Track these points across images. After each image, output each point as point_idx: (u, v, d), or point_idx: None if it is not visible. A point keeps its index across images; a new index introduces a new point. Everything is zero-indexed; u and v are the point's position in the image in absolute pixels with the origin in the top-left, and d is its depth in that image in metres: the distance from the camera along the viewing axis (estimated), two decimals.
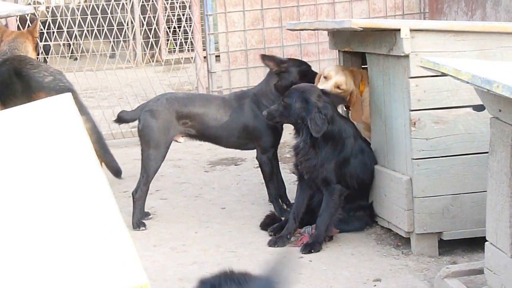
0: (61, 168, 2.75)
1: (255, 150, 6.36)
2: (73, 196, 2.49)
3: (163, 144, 6.04)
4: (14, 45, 7.43)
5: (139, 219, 6.06)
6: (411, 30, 5.02)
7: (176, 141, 6.17)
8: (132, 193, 6.12)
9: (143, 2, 11.26)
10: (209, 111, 6.12)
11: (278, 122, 5.74)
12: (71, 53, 9.90)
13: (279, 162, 6.44)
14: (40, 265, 2.04)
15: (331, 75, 5.85)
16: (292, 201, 6.19)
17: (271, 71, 6.23)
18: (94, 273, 1.95)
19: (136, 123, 6.17)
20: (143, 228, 6.00)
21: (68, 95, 3.23)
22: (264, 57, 6.28)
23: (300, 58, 9.16)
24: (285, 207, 6.23)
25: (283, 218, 5.86)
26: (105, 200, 2.40)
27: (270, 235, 5.67)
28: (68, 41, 10.06)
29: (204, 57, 9.66)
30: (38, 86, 6.85)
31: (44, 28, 10.66)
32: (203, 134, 6.18)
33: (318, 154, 5.49)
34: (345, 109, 6.24)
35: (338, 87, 5.78)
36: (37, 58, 7.80)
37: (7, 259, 2.07)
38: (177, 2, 13.77)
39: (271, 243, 5.51)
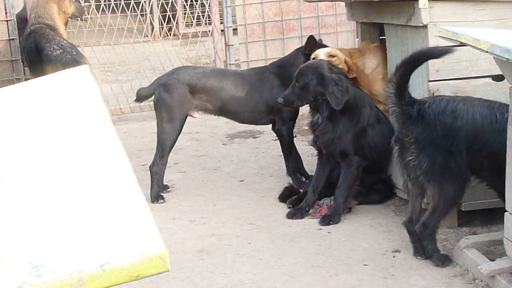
0: (80, 141, 2.76)
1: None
2: (92, 169, 2.50)
3: (178, 118, 6.04)
4: (37, 12, 7.47)
5: (157, 193, 6.08)
6: (429, 0, 4.98)
7: (192, 116, 6.15)
8: (150, 167, 6.15)
9: None
10: (225, 86, 6.10)
11: (297, 105, 5.66)
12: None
13: (297, 135, 6.44)
14: (59, 236, 2.05)
15: (319, 53, 5.83)
16: (310, 173, 6.20)
17: (300, 49, 6.24)
18: (113, 242, 1.96)
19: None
20: (162, 201, 6.03)
21: (85, 67, 3.24)
22: (310, 38, 6.23)
23: (318, 31, 9.18)
24: (303, 179, 6.23)
25: (301, 190, 5.86)
26: (124, 173, 2.41)
27: (289, 207, 5.68)
28: (85, 15, 10.01)
29: (222, 30, 9.64)
30: (47, 59, 6.98)
31: None
32: (220, 109, 6.17)
33: (335, 127, 5.48)
34: None
35: (331, 56, 5.76)
36: (68, 15, 7.79)
37: (29, 227, 2.08)
38: None
39: (290, 215, 5.51)
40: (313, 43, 6.15)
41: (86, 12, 8.93)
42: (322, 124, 5.52)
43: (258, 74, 6.24)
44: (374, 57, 6.07)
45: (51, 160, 2.62)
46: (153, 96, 6.16)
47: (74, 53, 7.16)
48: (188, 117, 6.14)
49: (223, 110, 6.19)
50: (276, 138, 7.40)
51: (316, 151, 5.79)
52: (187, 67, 6.38)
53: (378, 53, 6.09)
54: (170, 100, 6.02)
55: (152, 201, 6.01)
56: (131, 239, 1.95)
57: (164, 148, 6.11)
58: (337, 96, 5.36)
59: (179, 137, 6.25)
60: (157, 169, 6.11)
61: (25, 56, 7.72)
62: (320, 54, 5.80)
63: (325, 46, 6.20)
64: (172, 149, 6.25)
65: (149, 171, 6.13)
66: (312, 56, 5.88)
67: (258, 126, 8.01)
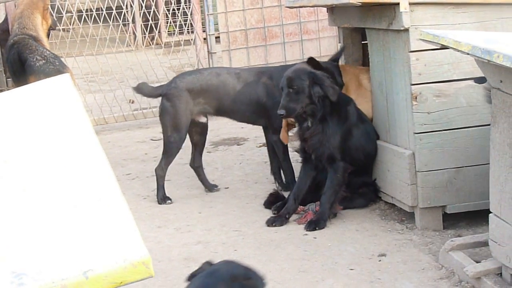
0: (62, 151, 2.75)
1: (260, 130, 6.38)
2: (74, 178, 2.49)
3: (183, 125, 6.13)
4: (22, 23, 7.44)
5: (164, 194, 6.22)
6: (410, 4, 4.99)
7: (199, 121, 6.25)
8: (155, 170, 6.26)
9: None
10: (221, 86, 6.17)
11: (297, 112, 5.45)
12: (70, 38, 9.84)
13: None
14: (42, 244, 2.04)
15: None
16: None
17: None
18: (96, 249, 1.95)
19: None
20: (169, 201, 6.17)
21: (67, 75, 3.23)
22: (310, 60, 5.99)
23: (301, 37, 9.19)
24: (276, 185, 6.26)
25: (286, 196, 5.86)
26: (106, 181, 2.40)
27: (274, 213, 5.67)
28: (67, 25, 9.99)
29: (204, 38, 9.64)
30: (30, 70, 6.97)
31: None
32: (218, 110, 6.25)
33: (325, 128, 5.47)
34: None
35: None
36: (49, 26, 7.79)
37: (11, 235, 2.08)
38: None
39: (269, 222, 5.49)
40: (314, 65, 5.98)
41: (57, 23, 8.92)
42: (312, 127, 5.52)
43: (255, 75, 6.25)
44: None
45: (34, 170, 2.61)
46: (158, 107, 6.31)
47: (57, 63, 7.14)
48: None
49: (222, 110, 6.27)
50: (261, 144, 7.43)
51: (301, 159, 5.78)
52: (184, 74, 6.46)
53: None
54: (173, 110, 6.12)
55: (159, 203, 6.16)
56: (114, 245, 1.95)
57: (170, 155, 6.24)
58: (333, 87, 5.41)
59: None
60: (161, 173, 6.22)
61: (8, 67, 7.69)
62: None
63: (328, 68, 5.92)
64: (157, 158, 6.26)
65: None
66: None
67: (243, 133, 8.05)
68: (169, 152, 6.21)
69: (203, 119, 6.28)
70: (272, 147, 6.35)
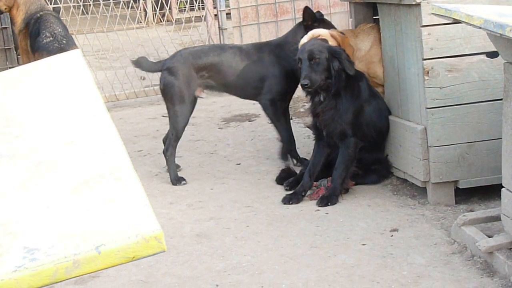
0: (74, 127, 2.75)
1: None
2: (87, 155, 2.50)
3: (187, 98, 6.08)
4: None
5: (177, 175, 6.13)
6: None
7: (199, 96, 6.19)
8: (163, 152, 6.21)
9: None
10: (224, 60, 6.15)
11: (319, 83, 5.44)
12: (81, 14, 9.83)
13: (293, 117, 6.42)
14: (54, 219, 2.04)
15: (303, 40, 5.86)
16: (307, 155, 6.19)
17: (301, 23, 6.25)
18: (109, 224, 1.95)
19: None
20: (184, 182, 6.08)
21: (77, 51, 3.22)
22: (306, 9, 6.26)
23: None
24: (295, 162, 6.24)
25: (298, 172, 5.86)
26: (118, 157, 2.40)
27: (286, 189, 5.67)
28: (78, 2, 9.96)
29: (215, 15, 9.61)
30: (36, 46, 6.99)
31: None
32: (222, 84, 6.22)
33: (337, 104, 5.47)
34: None
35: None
36: None
37: (23, 211, 2.08)
38: None
39: (286, 200, 5.48)
40: (310, 15, 6.20)
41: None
42: (325, 101, 5.51)
43: (257, 49, 6.26)
44: (367, 39, 6.00)
45: (46, 145, 2.61)
46: (159, 82, 6.22)
47: (64, 42, 7.11)
48: None
49: (225, 85, 6.24)
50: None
51: (314, 135, 5.77)
52: (186, 48, 6.43)
53: (372, 34, 5.99)
54: (177, 83, 6.07)
55: (174, 184, 6.07)
56: (126, 220, 1.95)
57: (178, 131, 6.15)
58: (350, 61, 5.46)
59: None
60: (171, 152, 6.16)
61: (31, 41, 7.69)
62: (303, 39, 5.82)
63: (324, 19, 6.33)
64: None
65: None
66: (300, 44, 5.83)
67: (254, 109, 8.03)
68: (177, 127, 6.12)
69: (203, 95, 6.26)
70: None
